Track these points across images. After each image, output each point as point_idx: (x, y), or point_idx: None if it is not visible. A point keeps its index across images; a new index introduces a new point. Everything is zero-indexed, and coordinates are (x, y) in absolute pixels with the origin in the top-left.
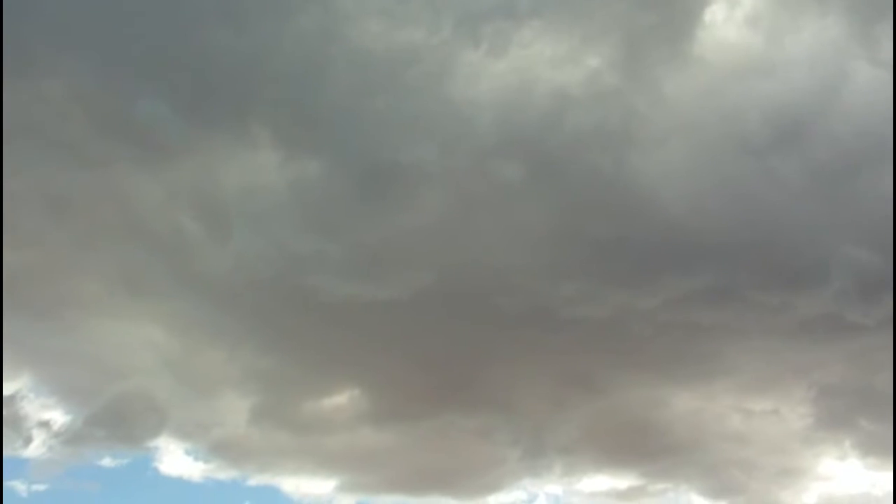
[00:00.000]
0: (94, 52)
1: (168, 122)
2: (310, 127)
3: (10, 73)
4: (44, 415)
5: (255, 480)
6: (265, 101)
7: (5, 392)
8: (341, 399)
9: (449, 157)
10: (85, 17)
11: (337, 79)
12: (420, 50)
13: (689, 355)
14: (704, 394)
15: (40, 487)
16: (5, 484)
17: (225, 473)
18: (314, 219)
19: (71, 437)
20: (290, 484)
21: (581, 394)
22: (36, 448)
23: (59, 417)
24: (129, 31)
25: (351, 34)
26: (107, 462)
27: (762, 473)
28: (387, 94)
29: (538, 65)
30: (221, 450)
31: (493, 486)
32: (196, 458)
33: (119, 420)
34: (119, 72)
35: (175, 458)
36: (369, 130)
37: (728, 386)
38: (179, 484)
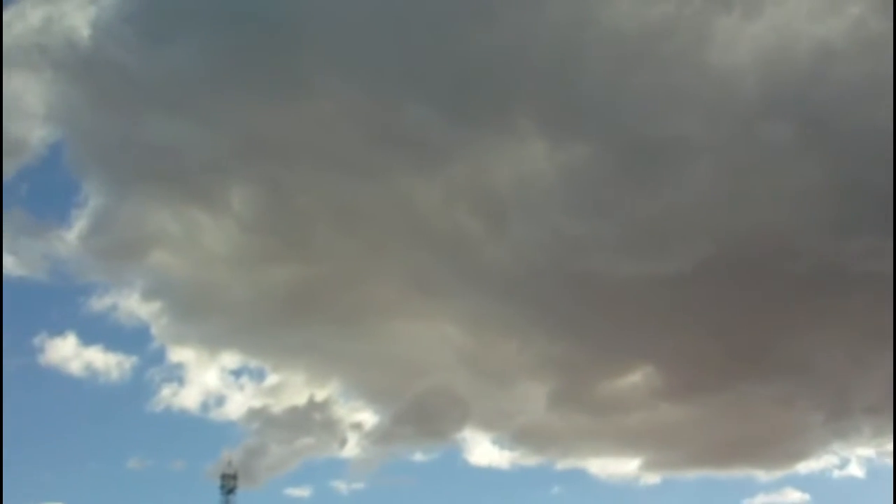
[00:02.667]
0: (359, 70)
1: (436, 126)
2: (573, 113)
3: (285, 97)
4: (355, 417)
5: (562, 464)
6: (526, 93)
7: (318, 398)
8: (636, 377)
9: (714, 125)
10: (346, 39)
11: (594, 62)
12: (673, 22)
13: None
14: None
15: (359, 486)
16: (329, 483)
17: (531, 459)
18: (587, 202)
19: (382, 436)
20: (596, 465)
21: (882, 350)
22: (351, 449)
23: (369, 418)
24: (387, 45)
25: (602, 16)
26: (418, 457)
27: None
28: (644, 70)
29: (796, 20)
30: (525, 437)
31: (800, 454)
32: (502, 447)
33: (425, 416)
34: (384, 85)
35: (482, 448)
36: (631, 109)
37: None
38: (489, 473)
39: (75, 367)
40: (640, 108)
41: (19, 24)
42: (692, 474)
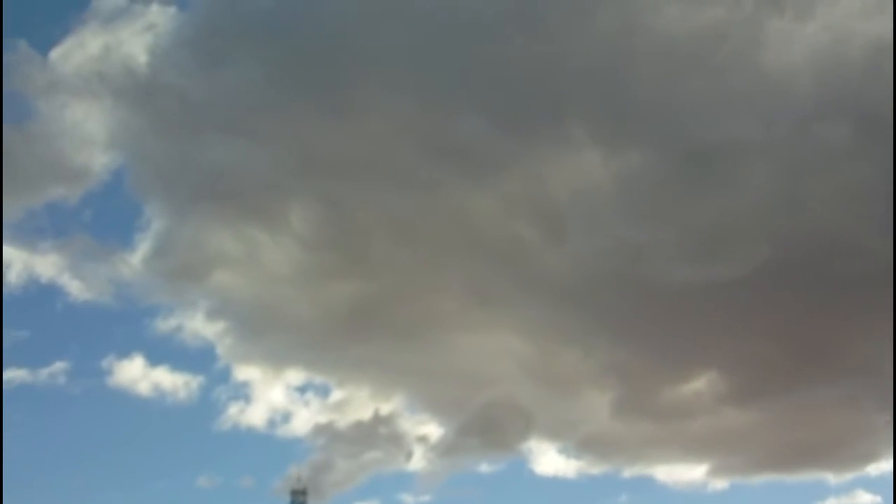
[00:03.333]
0: (411, 85)
1: (490, 138)
2: (626, 120)
3: (339, 115)
4: (420, 430)
5: (629, 472)
6: (579, 101)
7: (383, 412)
8: (699, 383)
9: (769, 127)
10: (397, 54)
11: (645, 68)
12: (725, 26)
13: None
14: None
15: (426, 498)
16: (396, 496)
17: (597, 468)
18: (643, 208)
19: (447, 449)
20: (663, 472)
21: None
22: (417, 462)
23: (434, 431)
24: (438, 59)
25: (652, 23)
26: (484, 468)
27: None
28: (697, 75)
29: (849, 19)
30: (590, 445)
31: (869, 455)
32: (568, 456)
33: (489, 427)
34: (436, 99)
35: (548, 458)
36: (684, 114)
37: None
38: (556, 482)
39: (143, 388)
40: (694, 113)
41: (79, 53)
42: (760, 479)
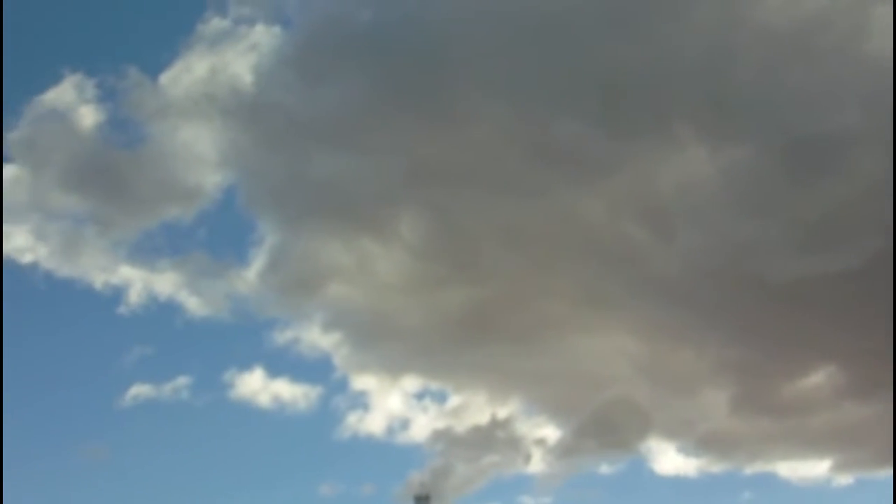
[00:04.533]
0: (512, 92)
1: (594, 140)
2: (730, 114)
3: (443, 124)
4: (538, 433)
5: (750, 469)
6: (681, 99)
7: (500, 416)
8: (818, 377)
9: (875, 116)
10: (496, 62)
11: (747, 62)
12: (828, 15)
13: None
14: None
15: (546, 500)
16: (516, 500)
17: (718, 466)
18: (752, 203)
19: (566, 451)
20: (785, 468)
21: None
22: (536, 464)
23: (551, 433)
24: (538, 65)
25: (752, 15)
26: (604, 469)
27: None
28: (800, 65)
29: None
30: (709, 443)
31: None
32: (687, 455)
33: (607, 428)
34: (538, 104)
35: (667, 457)
36: (789, 106)
37: None
38: (676, 481)
39: (264, 400)
40: (799, 104)
41: (187, 76)
42: (887, 473)
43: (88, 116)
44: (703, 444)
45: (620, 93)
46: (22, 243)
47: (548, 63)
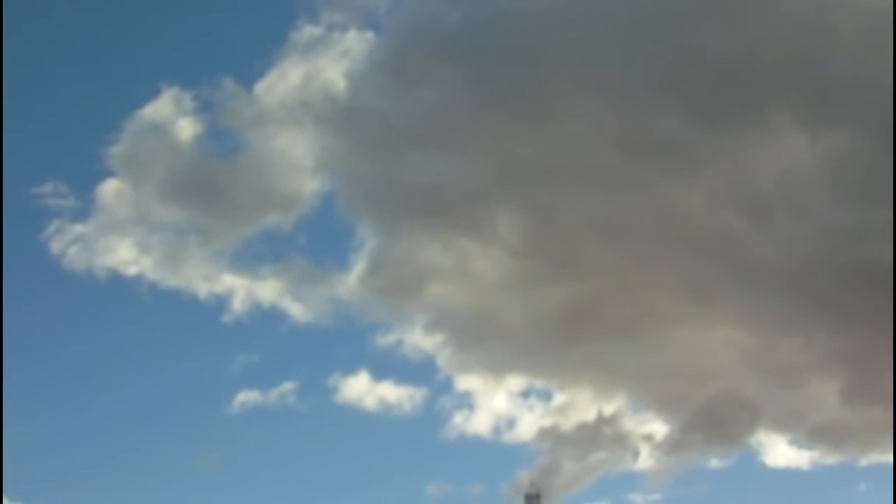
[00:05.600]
0: (604, 87)
1: (689, 131)
2: (827, 100)
3: (536, 122)
4: (645, 428)
5: (865, 461)
6: (777, 86)
7: (606, 413)
8: None
9: None
10: (587, 57)
11: (842, 45)
12: None
13: None
14: None
15: (655, 497)
16: (626, 497)
17: (831, 458)
18: (852, 189)
19: (674, 446)
20: None
21: None
22: (644, 460)
23: (659, 429)
24: (629, 59)
25: None
26: (714, 463)
27: None
28: None
29: None
30: (821, 435)
31: None
32: (799, 447)
33: (715, 421)
34: (631, 98)
35: (778, 450)
36: (887, 89)
37: None
38: (788, 474)
39: (369, 403)
40: None
41: (281, 84)
42: None
43: (186, 128)
44: (814, 435)
45: (716, 83)
46: (126, 256)
47: (640, 56)
